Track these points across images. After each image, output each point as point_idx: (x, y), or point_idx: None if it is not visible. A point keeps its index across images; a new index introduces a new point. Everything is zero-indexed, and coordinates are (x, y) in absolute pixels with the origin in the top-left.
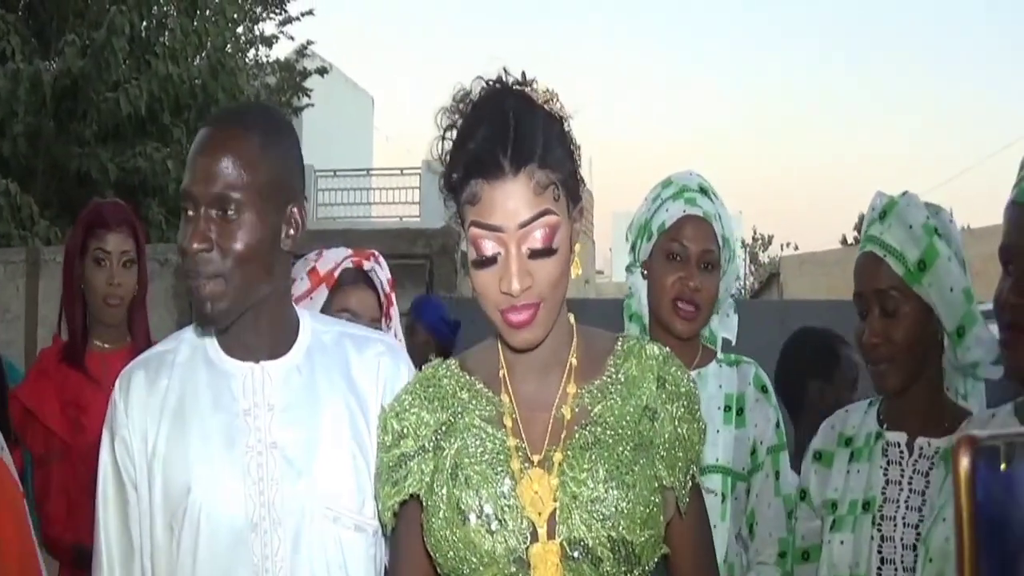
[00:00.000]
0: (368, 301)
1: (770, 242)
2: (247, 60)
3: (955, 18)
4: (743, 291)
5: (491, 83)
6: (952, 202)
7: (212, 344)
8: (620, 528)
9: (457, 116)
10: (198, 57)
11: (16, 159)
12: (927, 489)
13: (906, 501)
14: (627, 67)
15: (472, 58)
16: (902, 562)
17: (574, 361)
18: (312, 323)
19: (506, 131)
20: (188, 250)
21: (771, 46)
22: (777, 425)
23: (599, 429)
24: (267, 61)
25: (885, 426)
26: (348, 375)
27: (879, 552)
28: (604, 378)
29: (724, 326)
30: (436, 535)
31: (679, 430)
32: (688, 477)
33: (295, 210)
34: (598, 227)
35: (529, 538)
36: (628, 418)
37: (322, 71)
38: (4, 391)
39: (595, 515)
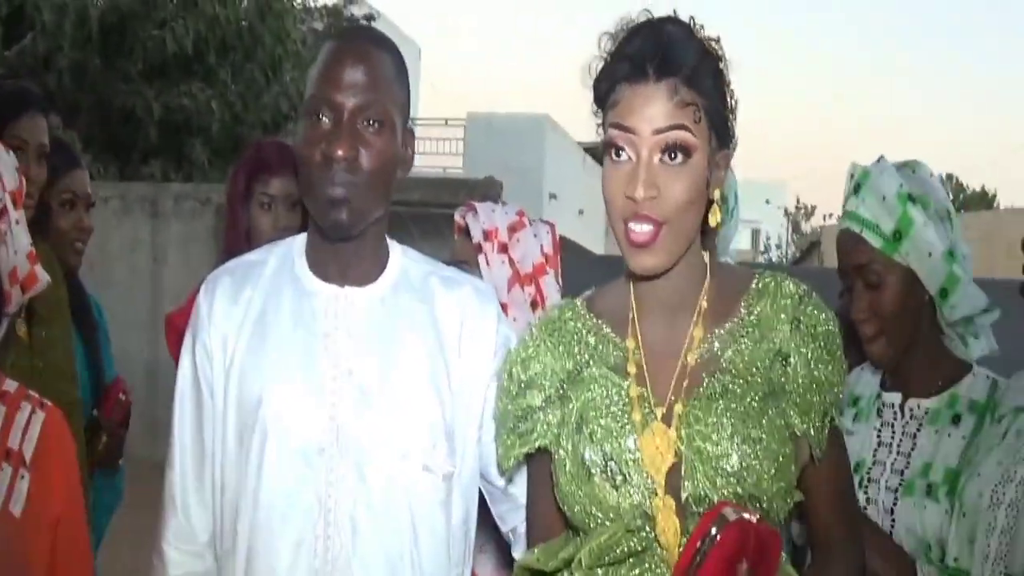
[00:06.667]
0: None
1: (813, 212)
2: (295, 4)
3: None
4: (784, 259)
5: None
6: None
7: (300, 262)
8: (747, 484)
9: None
10: None
11: (61, 94)
12: (912, 452)
13: (892, 464)
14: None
15: (522, 11)
16: (881, 525)
17: (704, 303)
18: (402, 258)
19: (659, 43)
20: (333, 156)
21: (825, 8)
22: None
23: (727, 378)
24: (315, 6)
25: (885, 386)
26: (432, 314)
27: None
28: (735, 320)
29: None
30: (564, 490)
31: (815, 373)
32: (825, 421)
33: (410, 136)
34: None
35: (656, 492)
36: (759, 364)
37: (369, 18)
38: (96, 338)
39: (720, 471)
